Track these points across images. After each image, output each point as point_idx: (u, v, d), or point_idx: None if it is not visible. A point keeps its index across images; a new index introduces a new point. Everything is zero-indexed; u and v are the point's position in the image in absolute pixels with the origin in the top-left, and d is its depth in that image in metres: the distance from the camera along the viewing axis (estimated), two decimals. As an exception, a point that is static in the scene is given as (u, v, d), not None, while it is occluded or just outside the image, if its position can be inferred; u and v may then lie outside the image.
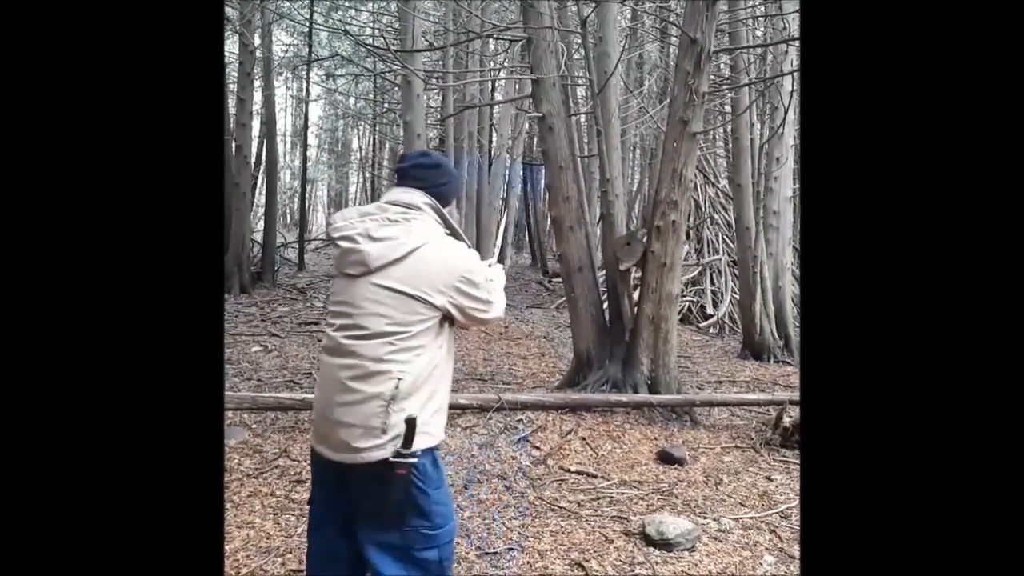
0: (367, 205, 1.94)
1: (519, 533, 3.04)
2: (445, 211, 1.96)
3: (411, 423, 1.76)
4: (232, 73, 12.21)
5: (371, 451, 1.75)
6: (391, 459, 1.74)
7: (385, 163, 21.15)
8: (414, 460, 1.77)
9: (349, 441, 1.77)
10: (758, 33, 9.47)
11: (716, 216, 12.01)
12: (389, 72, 12.32)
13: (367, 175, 21.28)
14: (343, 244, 1.85)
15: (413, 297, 1.80)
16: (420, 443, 1.77)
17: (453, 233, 1.95)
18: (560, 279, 8.15)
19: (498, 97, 12.86)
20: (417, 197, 1.91)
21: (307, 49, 15.64)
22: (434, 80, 11.53)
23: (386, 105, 17.39)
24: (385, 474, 1.76)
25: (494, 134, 12.98)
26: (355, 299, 1.82)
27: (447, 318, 1.87)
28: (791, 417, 4.43)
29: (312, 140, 24.92)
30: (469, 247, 1.96)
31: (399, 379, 1.78)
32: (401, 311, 1.80)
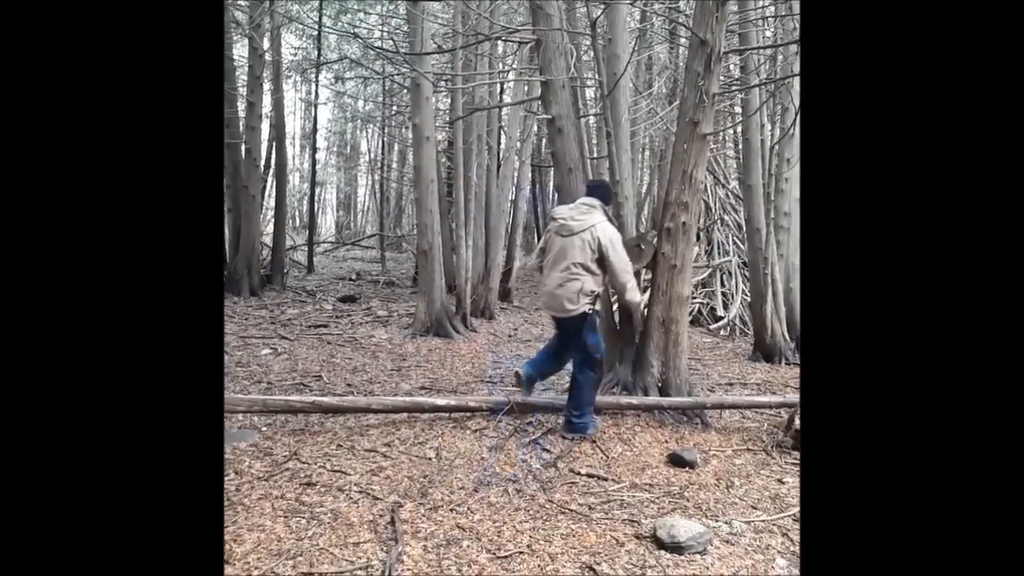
0: (572, 204, 4.48)
1: (530, 536, 3.03)
2: (608, 208, 4.51)
3: (596, 297, 4.41)
4: (241, 76, 12.26)
5: (574, 311, 4.32)
6: (586, 312, 4.33)
7: (394, 165, 21.17)
8: (591, 312, 4.37)
9: (564, 306, 4.32)
10: (768, 34, 9.43)
11: (726, 217, 11.96)
12: (398, 75, 12.34)
13: (376, 177, 21.30)
14: (562, 221, 4.37)
15: (589, 246, 4.28)
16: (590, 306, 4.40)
17: (611, 220, 4.45)
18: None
19: (507, 99, 12.85)
20: (592, 200, 4.42)
21: (316, 52, 15.70)
22: (443, 83, 11.54)
23: (395, 108, 17.42)
24: (580, 319, 4.35)
25: (503, 136, 12.98)
26: (566, 248, 4.33)
27: (600, 260, 4.31)
28: (803, 420, 4.40)
29: (321, 143, 25.01)
30: (618, 228, 4.58)
31: (583, 281, 4.30)
32: (585, 252, 4.29)
